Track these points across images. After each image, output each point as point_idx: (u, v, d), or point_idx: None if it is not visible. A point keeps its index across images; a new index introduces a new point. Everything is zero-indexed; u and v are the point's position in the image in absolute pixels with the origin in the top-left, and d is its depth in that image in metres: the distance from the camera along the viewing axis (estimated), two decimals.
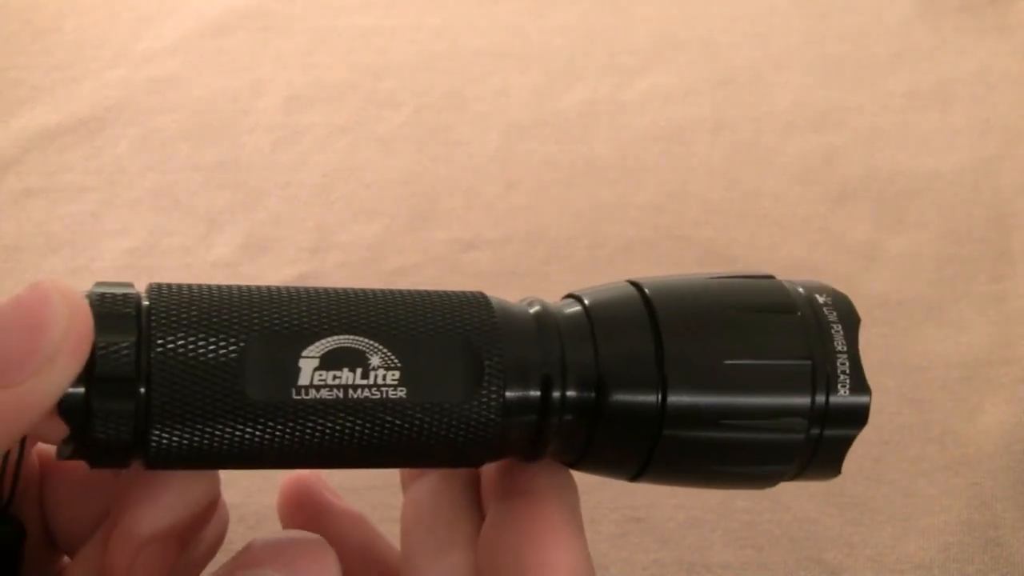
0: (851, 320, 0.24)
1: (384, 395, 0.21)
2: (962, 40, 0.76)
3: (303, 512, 0.27)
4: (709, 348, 0.23)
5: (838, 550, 0.45)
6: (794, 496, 0.47)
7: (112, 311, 0.20)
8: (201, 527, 0.24)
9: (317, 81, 0.72)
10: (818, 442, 0.24)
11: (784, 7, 0.80)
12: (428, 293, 0.23)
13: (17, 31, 0.76)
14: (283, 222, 0.62)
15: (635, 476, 0.24)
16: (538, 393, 0.23)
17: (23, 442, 0.23)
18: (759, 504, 0.47)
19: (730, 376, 0.23)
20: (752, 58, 0.75)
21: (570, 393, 0.23)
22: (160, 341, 0.20)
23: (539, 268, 0.59)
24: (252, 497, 0.43)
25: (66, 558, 0.26)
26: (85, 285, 0.61)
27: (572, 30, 0.78)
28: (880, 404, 0.52)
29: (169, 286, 0.21)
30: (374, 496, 0.40)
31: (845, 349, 0.24)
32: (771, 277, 0.25)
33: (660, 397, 0.23)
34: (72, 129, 0.68)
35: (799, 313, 0.24)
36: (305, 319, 0.21)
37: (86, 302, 0.20)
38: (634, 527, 0.46)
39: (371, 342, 0.22)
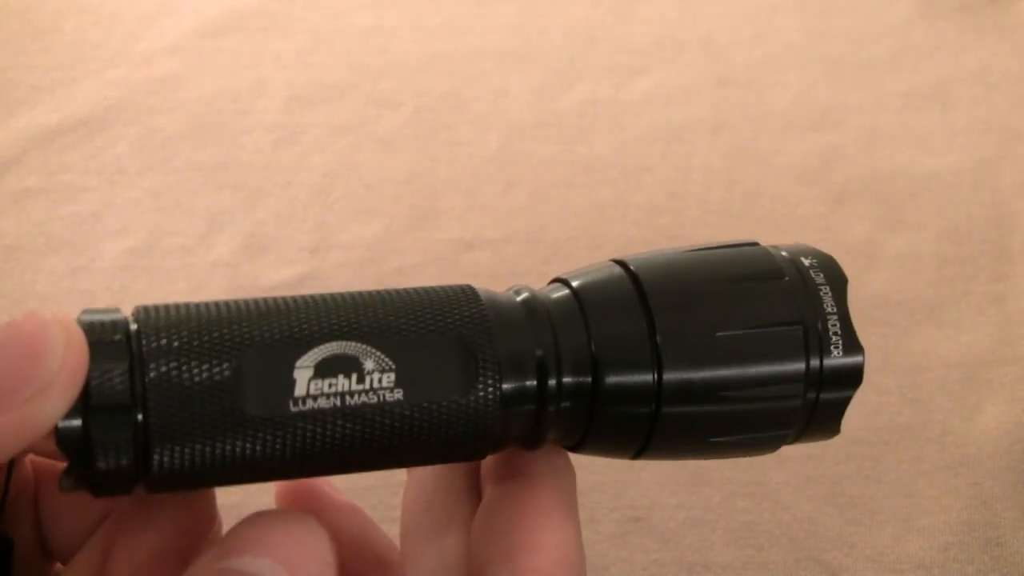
0: (838, 280, 0.25)
1: (381, 398, 0.21)
2: (962, 40, 0.76)
3: (300, 506, 0.27)
4: (700, 322, 0.23)
5: (838, 550, 0.45)
6: (794, 496, 0.47)
7: (102, 339, 0.20)
8: (202, 539, 0.24)
9: (317, 81, 0.72)
10: (815, 405, 0.24)
11: (784, 7, 0.80)
12: (416, 291, 0.23)
13: (17, 31, 0.76)
14: (283, 222, 0.62)
15: (636, 455, 0.24)
16: (534, 382, 0.23)
17: (11, 464, 0.23)
18: (759, 504, 0.47)
19: (724, 348, 0.23)
20: (752, 58, 0.75)
21: (566, 379, 0.23)
22: (153, 366, 0.20)
23: (539, 268, 0.59)
24: (252, 497, 0.43)
25: (59, 564, 0.26)
26: (85, 285, 0.60)
27: (572, 30, 0.78)
28: (880, 404, 0.52)
29: (156, 308, 0.21)
30: (374, 496, 0.40)
31: (835, 310, 0.24)
32: (754, 244, 0.25)
33: (656, 375, 0.23)
34: (72, 129, 0.68)
35: (786, 278, 0.24)
36: (296, 329, 0.21)
37: (82, 333, 0.20)
38: (634, 527, 0.46)
39: (364, 346, 0.21)
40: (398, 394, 0.21)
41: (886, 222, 0.62)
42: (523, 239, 0.60)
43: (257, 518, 0.21)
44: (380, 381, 0.21)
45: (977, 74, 0.73)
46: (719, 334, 0.23)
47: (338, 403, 0.21)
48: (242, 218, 0.62)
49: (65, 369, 0.19)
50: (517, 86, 0.72)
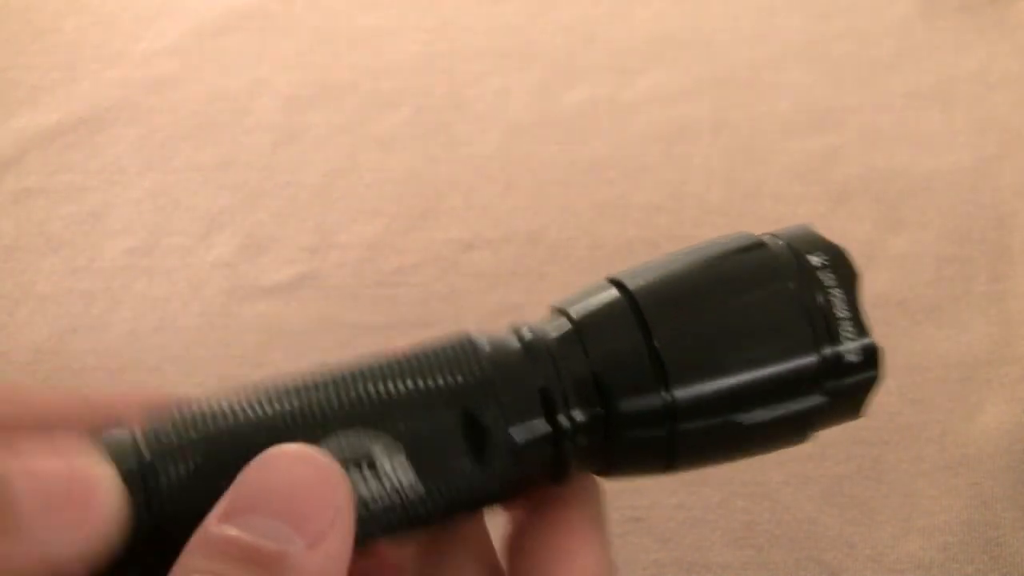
0: (849, 278, 0.24)
1: (397, 485, 0.21)
2: (962, 40, 0.76)
3: None
4: (705, 337, 0.23)
5: (838, 550, 0.45)
6: (794, 496, 0.47)
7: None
8: None
9: (317, 81, 0.72)
10: (836, 392, 0.24)
11: (784, 7, 0.80)
12: (414, 355, 0.23)
13: (17, 31, 0.76)
14: (283, 222, 0.62)
15: (665, 471, 0.24)
16: (547, 428, 0.22)
17: None
18: (759, 504, 0.47)
19: (733, 360, 0.23)
20: (752, 58, 0.75)
21: (576, 415, 0.23)
22: (170, 499, 0.20)
23: (539, 268, 0.59)
24: None
25: None
26: (85, 285, 0.60)
27: (572, 30, 0.78)
28: (880, 404, 0.52)
29: (166, 432, 0.21)
30: None
31: (849, 315, 0.24)
32: (760, 245, 0.24)
33: (666, 395, 0.23)
34: (72, 129, 0.68)
35: (792, 285, 0.24)
36: (301, 428, 0.21)
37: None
38: (634, 527, 0.46)
39: (372, 431, 0.21)
40: (411, 476, 0.21)
41: (886, 222, 0.62)
42: (523, 239, 0.60)
43: (263, 464, 0.20)
44: (393, 468, 0.21)
45: (977, 74, 0.73)
46: (727, 349, 0.23)
47: (362, 511, 0.21)
48: (242, 218, 0.62)
49: (108, 525, 0.19)
50: (517, 86, 0.72)
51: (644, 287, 0.23)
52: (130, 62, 0.73)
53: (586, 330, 0.23)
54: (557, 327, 0.24)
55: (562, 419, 0.23)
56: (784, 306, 0.23)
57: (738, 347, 0.23)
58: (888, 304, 0.56)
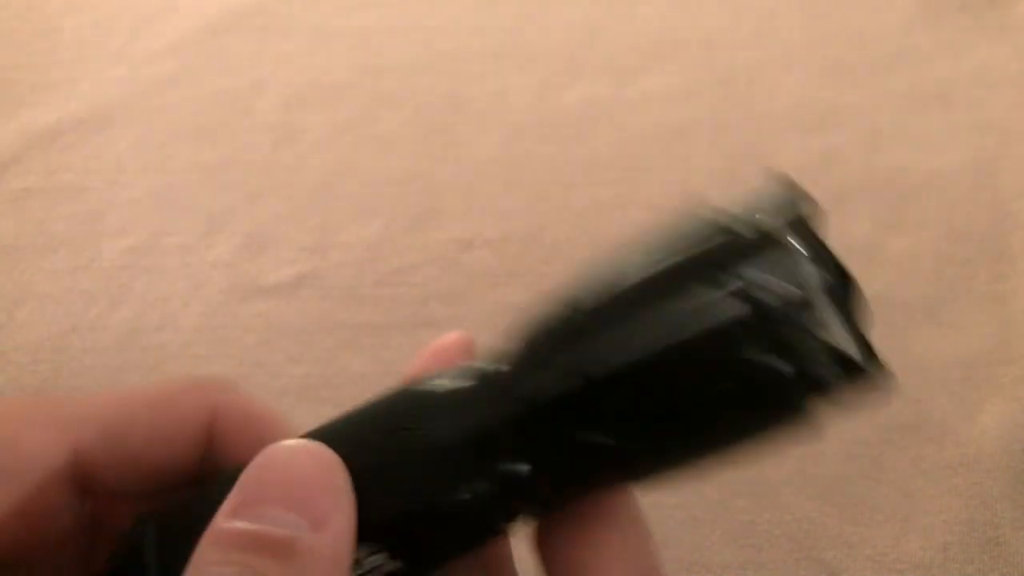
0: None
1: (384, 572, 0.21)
2: (962, 40, 0.76)
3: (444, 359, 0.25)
4: (635, 350, 0.21)
5: (838, 550, 0.45)
6: (794, 496, 0.47)
7: None
8: None
9: (317, 81, 0.72)
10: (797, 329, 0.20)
11: (784, 7, 0.80)
12: (371, 454, 0.21)
13: (17, 31, 0.76)
14: (283, 222, 0.62)
15: (642, 482, 0.23)
16: (500, 480, 0.21)
17: None
18: (758, 504, 0.47)
19: (664, 364, 0.21)
20: (752, 58, 0.75)
21: (520, 467, 0.21)
22: None
23: (539, 268, 0.59)
24: None
25: None
26: (85, 285, 0.60)
27: (572, 30, 0.78)
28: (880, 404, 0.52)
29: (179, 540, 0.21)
30: None
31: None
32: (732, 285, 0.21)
33: (604, 431, 0.21)
34: (72, 129, 0.68)
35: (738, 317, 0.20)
36: None
37: None
38: None
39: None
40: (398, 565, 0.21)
41: (886, 222, 0.62)
42: (523, 239, 0.60)
43: (264, 460, 0.20)
44: (381, 567, 0.21)
45: (977, 74, 0.73)
46: (655, 354, 0.21)
47: None
48: (242, 218, 0.62)
49: None
50: (517, 86, 0.72)
51: (583, 304, 0.22)
52: (130, 62, 0.73)
53: (531, 360, 0.22)
54: (512, 356, 0.22)
55: (521, 472, 0.21)
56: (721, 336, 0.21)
57: (667, 352, 0.21)
58: (888, 304, 0.56)
